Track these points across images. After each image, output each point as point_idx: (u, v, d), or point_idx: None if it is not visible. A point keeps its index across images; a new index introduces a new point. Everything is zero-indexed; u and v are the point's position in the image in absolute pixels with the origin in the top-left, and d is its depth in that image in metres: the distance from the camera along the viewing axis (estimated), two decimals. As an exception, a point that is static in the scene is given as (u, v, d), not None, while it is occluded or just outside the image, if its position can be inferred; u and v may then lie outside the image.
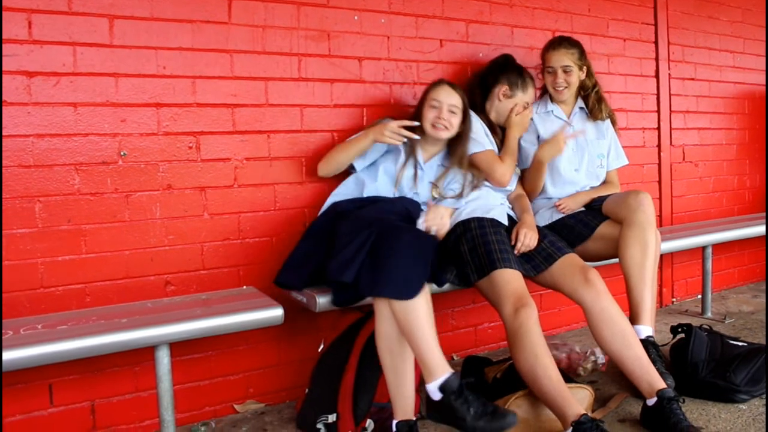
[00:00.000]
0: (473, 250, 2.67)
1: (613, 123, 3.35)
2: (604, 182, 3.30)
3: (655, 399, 2.43)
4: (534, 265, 2.74)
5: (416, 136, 2.73)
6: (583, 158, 3.21)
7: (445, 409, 2.15)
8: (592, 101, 3.24)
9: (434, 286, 2.61)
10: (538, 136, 3.17)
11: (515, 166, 3.02)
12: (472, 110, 2.97)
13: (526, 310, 2.44)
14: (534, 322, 2.42)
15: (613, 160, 3.34)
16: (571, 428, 2.25)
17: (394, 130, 2.68)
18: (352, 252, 2.27)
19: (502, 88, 3.06)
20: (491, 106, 3.09)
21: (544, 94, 3.29)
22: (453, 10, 3.32)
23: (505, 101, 3.06)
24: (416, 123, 2.75)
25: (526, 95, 3.09)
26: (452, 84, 2.85)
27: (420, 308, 2.18)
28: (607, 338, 2.54)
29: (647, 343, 2.66)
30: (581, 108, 3.26)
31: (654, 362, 2.58)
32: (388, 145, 2.77)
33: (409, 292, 2.17)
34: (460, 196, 2.80)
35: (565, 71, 3.12)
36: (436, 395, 2.16)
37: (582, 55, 3.15)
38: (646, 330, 2.71)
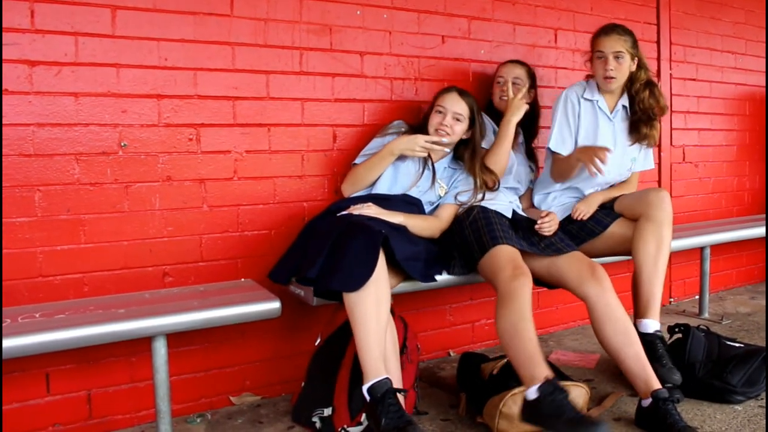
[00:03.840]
0: (476, 231, 2.70)
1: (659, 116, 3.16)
2: (623, 181, 3.23)
3: (650, 399, 2.43)
4: (541, 248, 2.77)
5: (447, 149, 2.84)
6: (617, 158, 3.10)
7: (370, 413, 2.21)
8: (645, 97, 3.05)
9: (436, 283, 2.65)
10: (578, 127, 3.08)
11: (504, 162, 2.95)
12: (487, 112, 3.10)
13: (523, 278, 2.46)
14: (528, 291, 2.43)
15: (640, 162, 3.23)
16: (538, 385, 2.22)
17: (423, 145, 2.76)
18: (317, 251, 2.36)
19: (497, 76, 3.17)
20: (493, 97, 3.16)
21: (588, 81, 3.16)
22: (455, 7, 3.32)
23: (497, 86, 3.16)
24: (445, 140, 2.79)
25: (513, 70, 3.13)
26: (462, 91, 2.86)
27: (366, 302, 2.24)
28: (609, 334, 2.54)
29: (655, 338, 2.67)
30: (624, 106, 3.12)
31: (662, 357, 2.60)
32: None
33: (354, 284, 2.24)
34: (473, 197, 2.82)
35: (616, 58, 2.98)
36: (367, 396, 2.22)
37: (635, 44, 3.01)
38: (654, 324, 2.72)
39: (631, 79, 3.06)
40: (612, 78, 2.99)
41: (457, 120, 2.81)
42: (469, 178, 2.85)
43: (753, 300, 4.44)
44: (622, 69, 2.99)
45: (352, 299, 2.25)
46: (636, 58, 3.03)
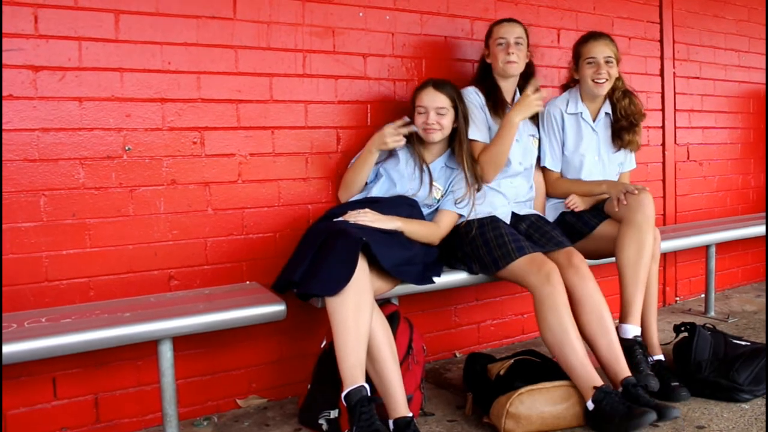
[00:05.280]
0: (475, 251, 2.75)
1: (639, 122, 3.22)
2: None
3: (620, 389, 2.47)
4: (542, 244, 2.78)
5: (415, 128, 2.78)
6: (605, 166, 3.19)
7: (348, 420, 2.23)
8: (625, 104, 3.14)
9: (436, 283, 2.69)
10: (563, 141, 3.15)
11: (502, 161, 2.87)
12: (480, 86, 3.01)
13: (553, 277, 2.51)
14: (561, 289, 2.51)
15: (625, 164, 3.31)
16: (593, 394, 2.37)
17: (392, 133, 2.74)
18: (304, 255, 2.40)
19: (495, 38, 2.97)
20: (494, 61, 2.98)
21: (569, 91, 3.23)
22: (458, 8, 3.32)
23: (497, 46, 2.96)
24: (407, 119, 2.78)
25: (510, 31, 2.96)
26: (438, 83, 2.82)
27: (345, 308, 2.25)
28: (585, 322, 2.58)
29: (634, 343, 2.68)
30: (607, 113, 3.19)
31: (639, 363, 2.61)
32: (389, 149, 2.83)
33: (331, 289, 2.25)
34: (467, 202, 2.81)
35: (607, 62, 3.04)
36: (344, 404, 2.23)
37: (618, 53, 3.10)
38: (633, 330, 2.73)
39: (613, 87, 3.14)
40: (604, 81, 3.06)
41: (441, 114, 2.78)
42: (463, 178, 2.83)
43: (759, 298, 4.43)
44: (611, 74, 3.07)
45: (331, 305, 2.26)
46: (618, 67, 3.11)
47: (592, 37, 3.11)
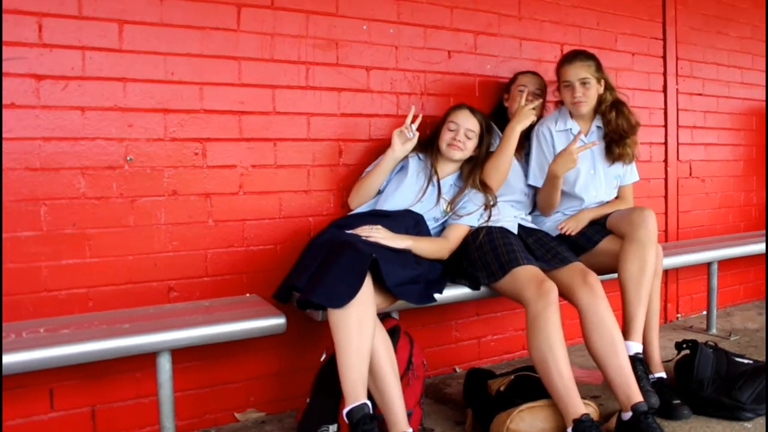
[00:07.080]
0: (483, 257, 2.73)
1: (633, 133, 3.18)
2: (616, 198, 3.27)
3: (630, 413, 2.43)
4: (547, 260, 2.78)
5: (417, 121, 2.84)
6: (601, 180, 3.18)
7: None
8: (612, 117, 3.10)
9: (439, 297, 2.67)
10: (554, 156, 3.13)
11: (504, 170, 2.95)
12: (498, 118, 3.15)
13: (550, 295, 2.48)
14: (555, 308, 2.47)
15: (627, 177, 3.29)
16: (572, 426, 2.31)
17: (401, 132, 2.81)
18: (310, 263, 2.39)
19: (518, 84, 3.15)
20: (512, 104, 3.14)
21: (559, 109, 3.22)
22: (461, 22, 3.32)
23: (519, 91, 3.12)
24: (412, 113, 2.84)
25: (532, 81, 3.14)
26: (473, 109, 2.92)
27: (348, 323, 2.22)
28: (596, 343, 2.55)
29: (635, 360, 2.65)
30: (598, 127, 3.16)
31: (640, 379, 2.58)
32: (402, 160, 2.88)
33: (336, 301, 2.22)
34: (477, 216, 2.85)
35: (582, 84, 3.02)
36: (346, 421, 2.21)
37: (599, 68, 3.07)
38: (635, 346, 2.71)
39: (600, 100, 3.11)
40: (581, 102, 3.04)
41: (468, 137, 2.86)
42: (476, 197, 2.85)
43: (761, 316, 4.41)
44: (589, 94, 3.05)
45: (334, 318, 2.24)
46: (602, 81, 3.09)
47: (566, 59, 3.09)
